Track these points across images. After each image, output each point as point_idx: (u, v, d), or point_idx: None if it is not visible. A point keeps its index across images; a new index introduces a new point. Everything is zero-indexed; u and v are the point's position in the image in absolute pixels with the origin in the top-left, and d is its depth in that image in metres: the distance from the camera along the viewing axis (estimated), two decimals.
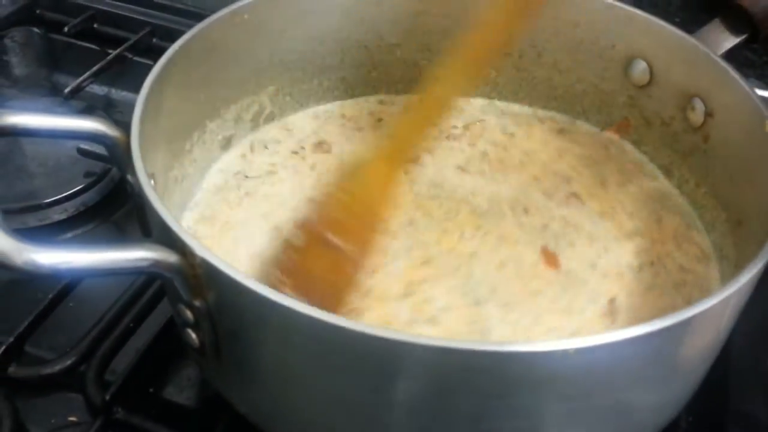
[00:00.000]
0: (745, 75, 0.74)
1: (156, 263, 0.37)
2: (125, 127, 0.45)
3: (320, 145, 0.60)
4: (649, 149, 0.62)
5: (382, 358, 0.36)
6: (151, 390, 0.54)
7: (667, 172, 0.61)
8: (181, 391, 0.55)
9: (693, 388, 0.47)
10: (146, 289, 0.58)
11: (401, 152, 0.49)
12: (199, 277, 0.39)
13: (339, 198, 0.47)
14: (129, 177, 0.46)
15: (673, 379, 0.42)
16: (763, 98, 0.72)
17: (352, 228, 0.46)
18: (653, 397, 0.43)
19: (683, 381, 0.44)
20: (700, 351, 0.42)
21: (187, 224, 0.54)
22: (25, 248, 0.34)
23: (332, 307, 0.43)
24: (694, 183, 0.58)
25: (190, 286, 0.39)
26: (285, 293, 0.37)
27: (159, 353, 0.55)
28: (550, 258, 0.52)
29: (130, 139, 0.43)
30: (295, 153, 0.61)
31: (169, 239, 0.39)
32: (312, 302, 0.35)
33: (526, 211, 0.57)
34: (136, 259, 0.37)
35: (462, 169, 0.61)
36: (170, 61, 0.50)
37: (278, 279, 0.45)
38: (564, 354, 0.35)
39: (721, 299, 0.38)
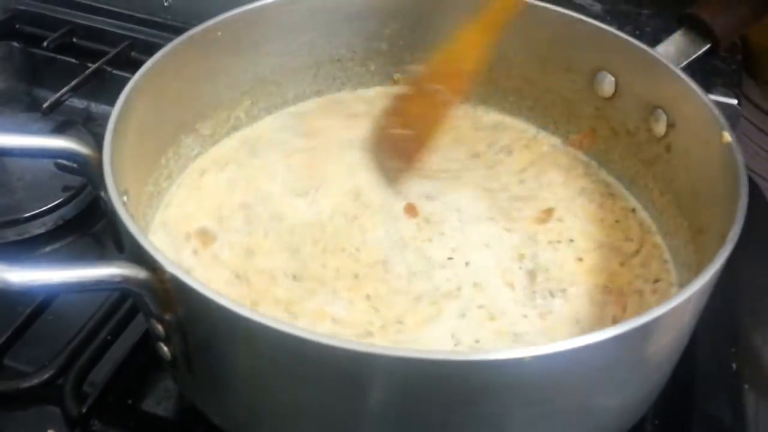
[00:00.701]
0: (713, 83, 0.77)
1: (126, 280, 0.38)
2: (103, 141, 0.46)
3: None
4: (616, 158, 0.64)
5: (347, 369, 0.37)
6: (129, 402, 0.55)
7: (632, 181, 0.62)
8: (158, 403, 0.55)
9: (655, 392, 0.48)
10: (124, 302, 0.58)
11: (492, 22, 0.60)
12: (168, 292, 0.40)
13: (441, 57, 0.61)
14: (102, 194, 0.47)
15: (633, 384, 0.44)
16: (728, 106, 0.74)
17: (448, 76, 0.61)
18: (615, 401, 0.44)
19: (644, 385, 0.46)
20: (657, 357, 0.43)
21: (158, 238, 0.55)
22: None
23: (426, 136, 0.61)
24: (658, 192, 0.60)
25: (160, 301, 0.40)
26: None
27: (137, 365, 0.56)
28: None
29: (102, 158, 0.44)
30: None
31: (139, 255, 0.40)
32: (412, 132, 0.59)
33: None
34: (106, 276, 0.38)
35: None
36: (143, 79, 0.52)
37: (387, 120, 0.61)
38: (520, 362, 0.36)
39: (676, 305, 0.39)
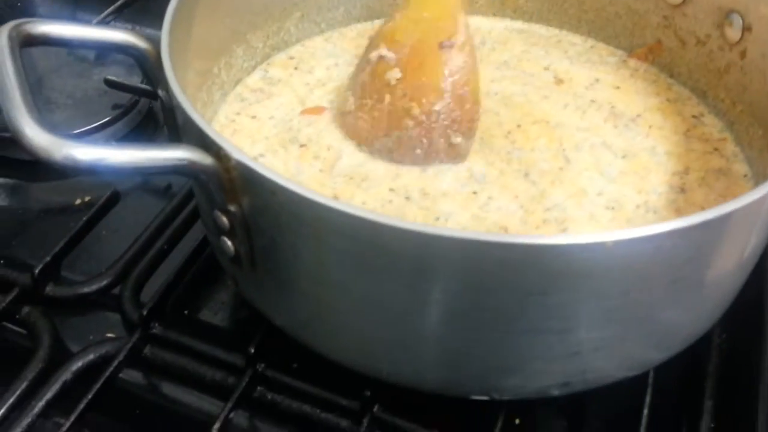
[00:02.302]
0: None
1: (192, 163, 0.37)
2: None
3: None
4: (683, 71, 0.61)
5: (417, 253, 0.36)
6: (185, 312, 0.55)
7: (702, 94, 0.60)
8: (215, 314, 0.55)
9: (727, 300, 0.47)
10: (178, 214, 0.58)
11: None
12: (233, 181, 0.39)
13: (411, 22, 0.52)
14: (160, 91, 0.47)
15: (708, 284, 0.42)
16: None
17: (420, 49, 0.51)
18: (688, 303, 0.42)
19: (718, 288, 0.44)
20: (736, 253, 0.41)
21: None
22: (65, 144, 0.35)
23: None
24: (730, 102, 0.57)
25: (225, 190, 0.39)
26: None
27: (192, 277, 0.56)
28: None
29: (161, 49, 0.43)
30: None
31: (204, 144, 0.39)
32: None
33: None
34: (173, 159, 0.37)
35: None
36: None
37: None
38: (602, 246, 0.34)
39: (762, 195, 0.37)
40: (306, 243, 0.39)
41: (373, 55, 0.52)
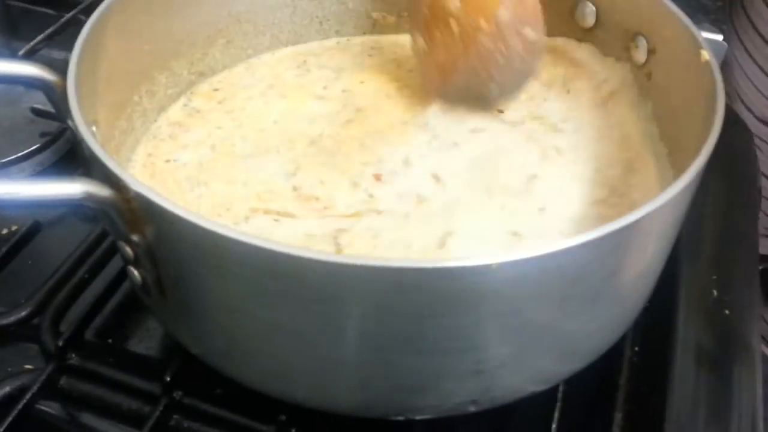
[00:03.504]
0: (699, 20, 0.75)
1: (89, 196, 0.38)
2: None
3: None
4: None
5: (313, 280, 0.37)
6: (109, 341, 0.55)
7: None
8: (140, 342, 0.55)
9: (632, 313, 0.48)
10: (101, 242, 0.58)
11: None
12: (135, 212, 0.39)
13: None
14: (69, 122, 0.47)
15: (605, 300, 0.43)
16: (715, 42, 0.73)
17: None
18: (586, 317, 0.43)
19: (618, 301, 0.45)
20: (629, 268, 0.43)
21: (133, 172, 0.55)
22: None
23: None
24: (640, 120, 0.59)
25: (127, 221, 0.40)
26: None
27: (118, 305, 0.56)
28: None
29: (67, 80, 0.43)
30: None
31: (105, 176, 0.39)
32: None
33: None
34: (69, 191, 0.37)
35: None
36: (109, 9, 0.51)
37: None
38: (487, 269, 0.35)
39: (640, 217, 0.38)
40: (209, 272, 0.40)
41: None
